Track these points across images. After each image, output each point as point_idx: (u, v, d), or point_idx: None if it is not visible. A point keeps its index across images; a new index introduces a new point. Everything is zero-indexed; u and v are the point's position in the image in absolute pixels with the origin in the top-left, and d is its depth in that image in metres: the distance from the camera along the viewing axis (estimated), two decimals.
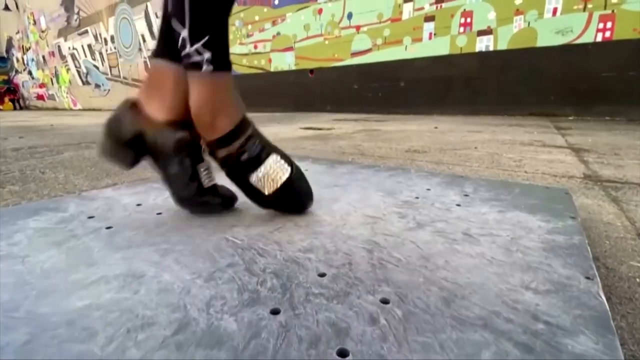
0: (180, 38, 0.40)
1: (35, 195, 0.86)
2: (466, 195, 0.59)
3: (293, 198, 0.50)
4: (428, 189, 0.64)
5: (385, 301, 0.29)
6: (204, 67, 0.41)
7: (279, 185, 0.48)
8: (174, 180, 0.49)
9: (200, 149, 0.50)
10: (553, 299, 0.29)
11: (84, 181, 1.00)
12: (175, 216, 0.51)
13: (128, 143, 0.48)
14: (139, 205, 0.56)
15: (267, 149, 0.48)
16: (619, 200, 0.74)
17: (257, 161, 0.47)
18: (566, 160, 1.16)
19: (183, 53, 0.41)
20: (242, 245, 0.40)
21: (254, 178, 0.47)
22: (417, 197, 0.58)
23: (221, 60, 0.43)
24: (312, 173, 0.78)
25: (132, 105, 0.48)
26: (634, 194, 0.78)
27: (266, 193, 0.48)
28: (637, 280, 0.43)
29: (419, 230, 0.44)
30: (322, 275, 0.33)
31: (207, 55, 0.41)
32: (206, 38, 0.40)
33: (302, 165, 0.87)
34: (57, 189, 0.92)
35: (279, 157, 0.49)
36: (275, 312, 0.28)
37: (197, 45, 0.40)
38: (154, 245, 0.41)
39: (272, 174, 0.47)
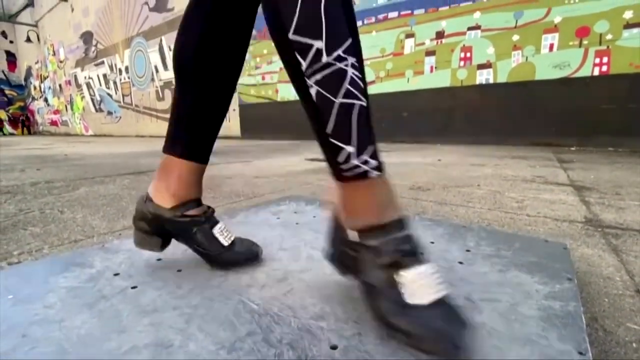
0: (345, 153, 0.41)
1: (56, 239, 0.90)
2: (468, 251, 0.62)
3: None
4: (432, 242, 0.67)
5: None
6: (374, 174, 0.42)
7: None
8: (199, 249, 0.57)
9: (212, 215, 0.58)
10: None
11: (101, 222, 1.05)
12: (194, 274, 0.54)
13: (152, 231, 0.57)
14: (159, 260, 0.60)
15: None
16: (619, 250, 0.76)
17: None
18: (568, 201, 1.19)
19: (348, 165, 0.41)
20: (259, 310, 0.44)
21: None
22: (421, 253, 0.61)
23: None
24: (320, 220, 0.82)
25: (146, 199, 0.57)
26: (634, 242, 0.80)
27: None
28: (634, 345, 0.45)
29: None
30: (334, 347, 0.36)
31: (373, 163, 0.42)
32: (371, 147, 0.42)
33: (311, 210, 0.92)
34: (77, 231, 0.96)
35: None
36: None
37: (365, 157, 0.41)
38: (178, 309, 0.44)
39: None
